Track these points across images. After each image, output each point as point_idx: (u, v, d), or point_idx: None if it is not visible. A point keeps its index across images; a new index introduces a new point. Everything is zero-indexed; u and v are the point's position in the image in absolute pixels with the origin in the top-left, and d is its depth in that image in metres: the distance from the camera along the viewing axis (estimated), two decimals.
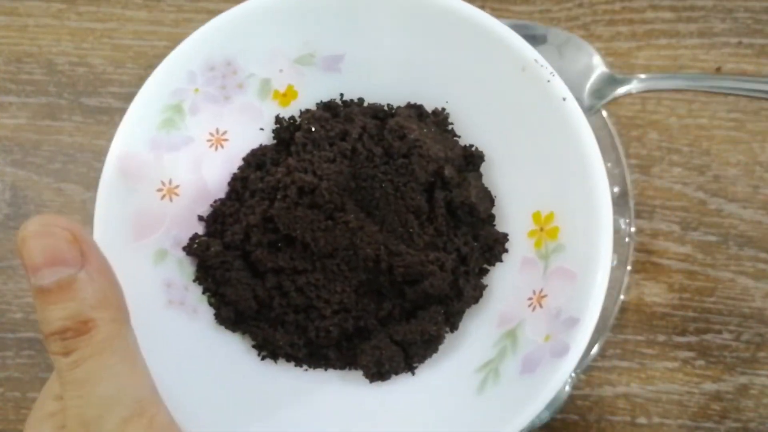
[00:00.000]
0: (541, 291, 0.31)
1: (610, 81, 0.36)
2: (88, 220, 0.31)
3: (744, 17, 0.44)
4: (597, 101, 0.30)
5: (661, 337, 0.41)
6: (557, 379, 0.28)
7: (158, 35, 0.45)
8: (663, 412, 0.40)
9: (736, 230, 0.42)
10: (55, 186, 0.44)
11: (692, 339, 0.40)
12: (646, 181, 0.42)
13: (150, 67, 0.44)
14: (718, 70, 0.43)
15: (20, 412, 0.41)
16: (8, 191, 0.44)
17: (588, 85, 0.36)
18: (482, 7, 0.32)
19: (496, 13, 0.44)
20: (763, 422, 0.39)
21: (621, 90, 0.36)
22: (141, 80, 0.33)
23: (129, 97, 0.43)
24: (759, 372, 0.40)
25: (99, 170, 0.43)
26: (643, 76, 0.36)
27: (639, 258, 0.42)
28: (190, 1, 0.45)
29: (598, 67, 0.37)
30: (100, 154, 0.44)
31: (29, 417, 0.26)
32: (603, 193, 0.30)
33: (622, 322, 0.41)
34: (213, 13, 0.45)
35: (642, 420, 0.40)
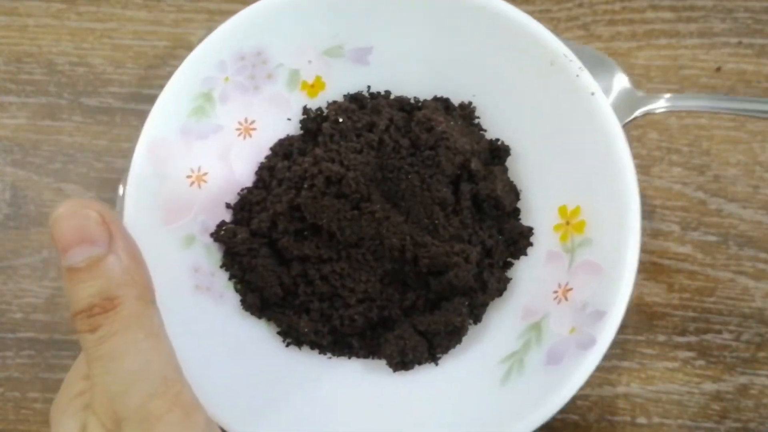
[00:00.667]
0: (566, 284, 0.31)
1: (634, 100, 0.36)
2: None
3: (744, 17, 0.44)
4: (619, 121, 0.30)
5: (661, 337, 0.41)
6: (583, 370, 0.29)
7: (158, 35, 0.45)
8: (663, 412, 0.40)
9: (736, 230, 0.42)
10: (55, 186, 0.44)
11: (692, 339, 0.40)
12: (646, 181, 0.42)
13: (150, 67, 0.44)
14: (718, 70, 0.43)
15: (20, 412, 0.41)
16: (8, 191, 0.44)
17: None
18: None
19: None
20: (763, 422, 0.39)
21: (643, 109, 0.35)
22: (141, 80, 0.33)
23: (129, 97, 0.43)
24: (759, 372, 0.40)
25: (99, 170, 0.44)
26: (668, 95, 0.35)
27: (639, 258, 0.42)
28: (190, 1, 0.45)
29: (622, 84, 0.37)
30: (100, 154, 0.44)
31: (56, 398, 0.26)
32: (632, 187, 0.30)
33: (623, 322, 0.41)
34: (213, 13, 0.45)
35: (642, 420, 0.40)
